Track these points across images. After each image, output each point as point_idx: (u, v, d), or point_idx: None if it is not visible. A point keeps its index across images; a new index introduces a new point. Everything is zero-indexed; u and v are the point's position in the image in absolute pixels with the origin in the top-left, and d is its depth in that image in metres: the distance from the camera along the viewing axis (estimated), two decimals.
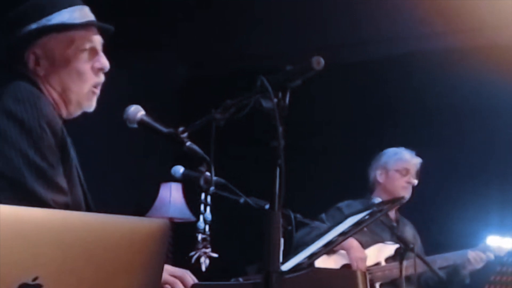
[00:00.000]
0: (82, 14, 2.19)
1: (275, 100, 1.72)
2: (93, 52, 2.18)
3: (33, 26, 2.14)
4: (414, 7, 4.84)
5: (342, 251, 3.92)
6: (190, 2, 5.17)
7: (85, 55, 2.16)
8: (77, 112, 2.21)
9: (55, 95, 2.16)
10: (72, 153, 2.13)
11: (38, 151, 1.95)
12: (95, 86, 2.18)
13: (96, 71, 2.18)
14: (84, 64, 2.16)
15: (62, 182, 2.00)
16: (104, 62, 2.19)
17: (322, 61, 1.70)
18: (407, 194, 4.13)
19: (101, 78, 2.20)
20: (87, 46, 2.16)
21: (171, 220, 5.26)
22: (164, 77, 6.03)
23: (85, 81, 2.16)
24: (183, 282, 2.13)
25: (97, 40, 2.20)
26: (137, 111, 2.16)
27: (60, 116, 2.16)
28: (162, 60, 5.97)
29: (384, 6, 4.93)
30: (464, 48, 5.15)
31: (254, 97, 1.78)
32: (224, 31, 5.58)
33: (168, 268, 2.13)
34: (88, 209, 2.15)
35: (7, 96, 2.00)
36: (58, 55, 2.14)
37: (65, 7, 2.16)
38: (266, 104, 1.74)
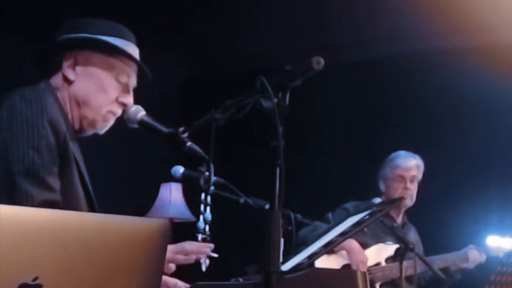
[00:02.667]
0: (133, 52, 2.26)
1: (275, 100, 1.72)
2: (125, 87, 2.23)
3: (87, 35, 2.20)
4: (414, 7, 4.84)
5: (343, 252, 3.92)
6: (190, 2, 5.17)
7: (117, 85, 2.21)
8: (89, 131, 2.23)
9: (74, 106, 2.19)
10: (78, 155, 2.13)
11: (34, 146, 1.98)
12: (111, 113, 2.22)
13: (119, 103, 2.22)
14: (112, 90, 2.20)
15: (53, 181, 2.01)
16: (130, 100, 2.23)
17: (322, 61, 1.70)
18: (408, 201, 4.11)
19: (120, 111, 2.23)
20: (123, 79, 2.22)
21: (171, 220, 5.25)
22: (164, 77, 6.02)
23: (106, 103, 2.20)
24: (183, 251, 2.12)
25: (133, 80, 2.26)
26: (137, 111, 2.17)
27: (73, 127, 2.19)
28: (162, 60, 5.97)
29: (384, 6, 4.93)
30: (464, 48, 5.15)
31: (254, 97, 1.78)
32: (224, 31, 5.57)
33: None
34: (93, 212, 2.15)
35: (16, 94, 2.04)
36: (95, 71, 2.20)
37: (121, 37, 2.24)
38: (266, 104, 1.75)
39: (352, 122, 5.53)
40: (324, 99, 5.49)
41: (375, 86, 5.49)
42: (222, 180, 2.18)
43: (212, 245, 2.12)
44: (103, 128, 2.23)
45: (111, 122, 2.24)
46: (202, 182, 2.11)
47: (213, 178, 2.08)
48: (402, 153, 4.20)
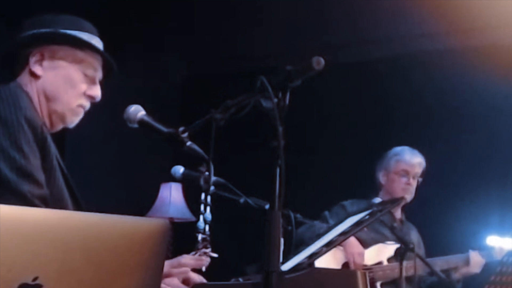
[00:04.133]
0: (99, 45, 2.27)
1: (275, 100, 1.72)
2: (91, 79, 2.25)
3: (52, 30, 2.21)
4: (414, 7, 4.84)
5: (340, 247, 3.91)
6: (190, 1, 5.17)
7: (84, 78, 2.23)
8: (58, 125, 2.24)
9: (43, 101, 2.19)
10: (54, 149, 2.13)
11: (14, 143, 1.97)
12: (80, 107, 2.23)
13: (87, 96, 2.24)
14: (80, 84, 2.22)
15: (38, 174, 2.00)
16: (98, 93, 2.26)
17: (322, 61, 1.70)
18: (407, 195, 4.12)
19: (88, 104, 2.25)
20: (90, 72, 2.23)
21: (171, 220, 5.26)
22: (164, 77, 6.03)
23: (75, 97, 2.21)
24: (179, 265, 2.11)
25: (100, 73, 2.27)
26: (137, 111, 2.17)
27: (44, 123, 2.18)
28: (163, 60, 5.97)
29: (384, 6, 4.93)
30: (464, 48, 5.14)
31: (254, 97, 1.78)
32: (224, 31, 5.57)
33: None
34: (77, 204, 2.16)
35: None
36: (62, 65, 2.20)
37: (86, 31, 2.25)
38: (266, 104, 1.75)
39: (352, 122, 5.52)
40: (323, 99, 5.49)
41: (375, 86, 5.49)
42: (222, 180, 2.18)
43: (208, 259, 2.11)
44: (73, 122, 2.25)
45: (81, 115, 2.25)
46: (202, 182, 2.11)
47: (213, 178, 2.08)
48: (407, 148, 4.22)
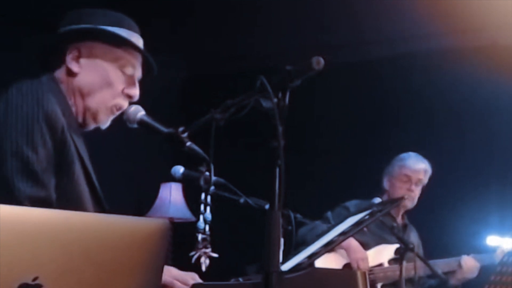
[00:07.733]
0: (138, 42, 2.22)
1: (275, 100, 1.72)
2: (130, 79, 2.20)
3: (90, 26, 2.16)
4: (414, 7, 4.84)
5: (343, 250, 3.91)
6: (190, 1, 5.17)
7: (122, 76, 2.18)
8: (91, 124, 2.19)
9: (78, 98, 2.16)
10: (82, 152, 2.10)
11: (29, 142, 1.93)
12: (116, 107, 2.18)
13: (125, 96, 2.19)
14: (118, 83, 2.17)
15: (47, 178, 1.96)
16: (136, 92, 2.20)
17: (322, 61, 1.70)
18: (408, 201, 4.11)
19: (126, 104, 2.20)
20: (128, 70, 2.19)
21: (171, 220, 5.26)
22: (164, 77, 6.03)
23: (112, 96, 2.17)
24: (184, 283, 2.13)
25: (139, 71, 2.23)
26: (137, 111, 2.17)
27: (77, 121, 2.16)
28: (162, 60, 5.97)
29: (384, 6, 4.93)
30: (464, 48, 5.15)
31: (254, 97, 1.78)
32: (224, 31, 5.57)
33: (172, 272, 2.12)
34: (100, 206, 2.13)
35: (13, 88, 2.00)
36: (100, 63, 2.16)
37: (126, 28, 2.20)
38: (266, 104, 1.74)
39: (352, 122, 5.53)
40: (324, 99, 5.49)
41: (375, 86, 5.49)
42: (222, 180, 2.18)
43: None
44: (105, 122, 2.20)
45: (115, 115, 2.20)
46: (202, 182, 2.11)
47: (213, 178, 2.08)
48: (412, 154, 4.21)
